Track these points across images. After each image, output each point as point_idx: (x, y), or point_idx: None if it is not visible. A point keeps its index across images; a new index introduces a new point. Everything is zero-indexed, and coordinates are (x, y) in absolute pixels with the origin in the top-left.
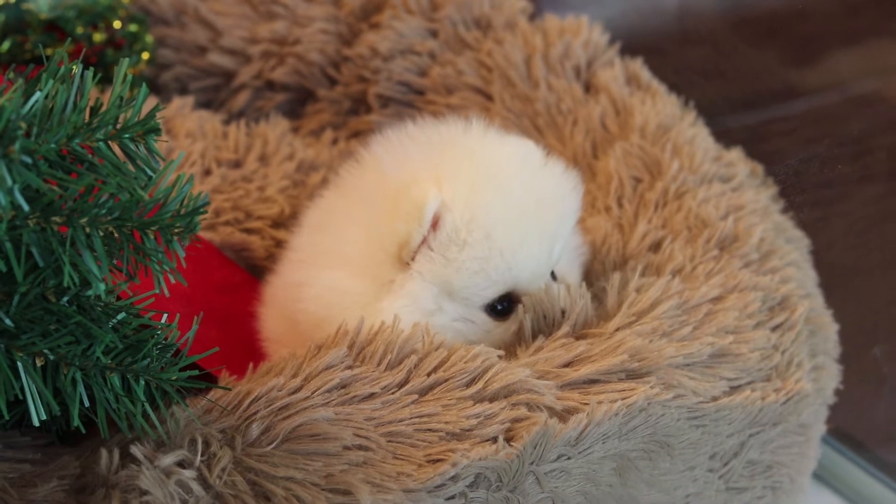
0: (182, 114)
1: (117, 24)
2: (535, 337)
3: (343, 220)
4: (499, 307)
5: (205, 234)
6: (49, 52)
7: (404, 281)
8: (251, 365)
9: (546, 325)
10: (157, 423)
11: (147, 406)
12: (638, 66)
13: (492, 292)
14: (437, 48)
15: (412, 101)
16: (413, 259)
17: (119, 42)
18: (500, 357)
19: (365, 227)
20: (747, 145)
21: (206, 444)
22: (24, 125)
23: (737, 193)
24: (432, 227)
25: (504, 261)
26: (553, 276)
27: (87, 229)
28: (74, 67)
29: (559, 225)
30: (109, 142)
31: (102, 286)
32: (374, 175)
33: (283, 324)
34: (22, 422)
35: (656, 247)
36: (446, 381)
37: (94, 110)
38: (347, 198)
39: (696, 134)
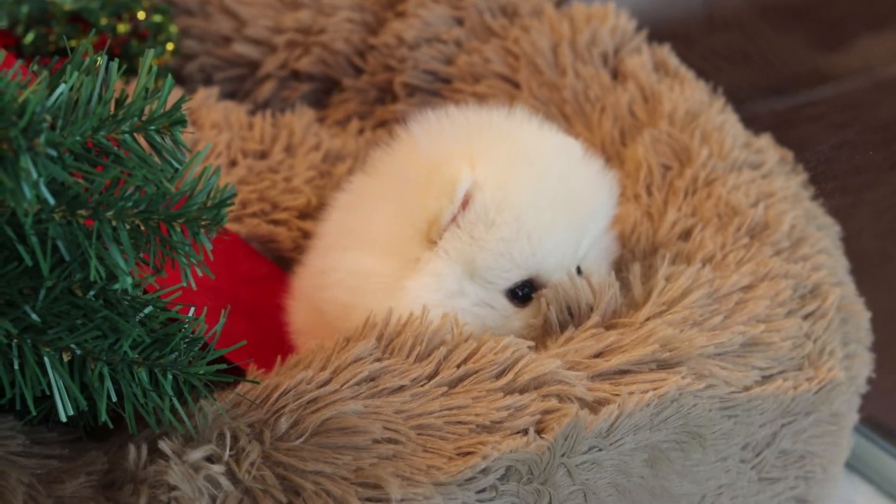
0: (207, 104)
1: (141, 15)
2: (563, 328)
3: (373, 199)
4: (519, 293)
5: (231, 226)
6: (73, 43)
7: (430, 259)
8: (279, 358)
9: (572, 318)
10: (185, 417)
11: (175, 400)
12: (665, 52)
13: (515, 276)
14: (464, 36)
15: (438, 89)
16: (441, 237)
17: (143, 33)
18: (530, 348)
19: (395, 204)
20: (776, 131)
21: (235, 438)
22: (49, 118)
23: (767, 180)
24: (462, 206)
25: (530, 245)
26: (579, 271)
27: (114, 222)
28: (99, 59)
29: (590, 219)
30: (135, 134)
31: (129, 280)
32: (409, 154)
33: (311, 315)
34: (49, 417)
35: (686, 235)
36: (476, 372)
37: (120, 102)
38: (380, 177)
39: (725, 120)
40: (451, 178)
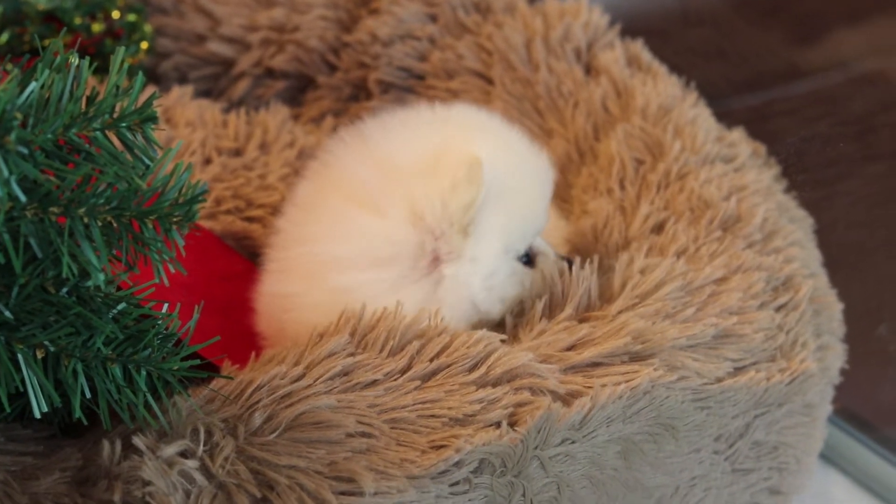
0: (182, 103)
1: (116, 14)
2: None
3: (349, 217)
4: (525, 258)
5: (206, 223)
6: (47, 43)
7: (465, 246)
8: (253, 354)
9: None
10: (159, 413)
11: (149, 396)
12: (639, 47)
13: (530, 238)
14: (437, 33)
15: (412, 86)
16: (472, 221)
17: (117, 32)
18: (502, 341)
19: (396, 210)
20: (749, 125)
21: (209, 433)
22: (20, 115)
23: (739, 174)
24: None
25: (533, 209)
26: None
27: (86, 219)
28: (71, 57)
29: (550, 188)
30: (106, 131)
31: (102, 276)
32: (377, 166)
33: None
34: (24, 414)
35: (659, 228)
36: (449, 366)
37: (91, 100)
38: (350, 195)
39: (697, 115)
40: (468, 162)
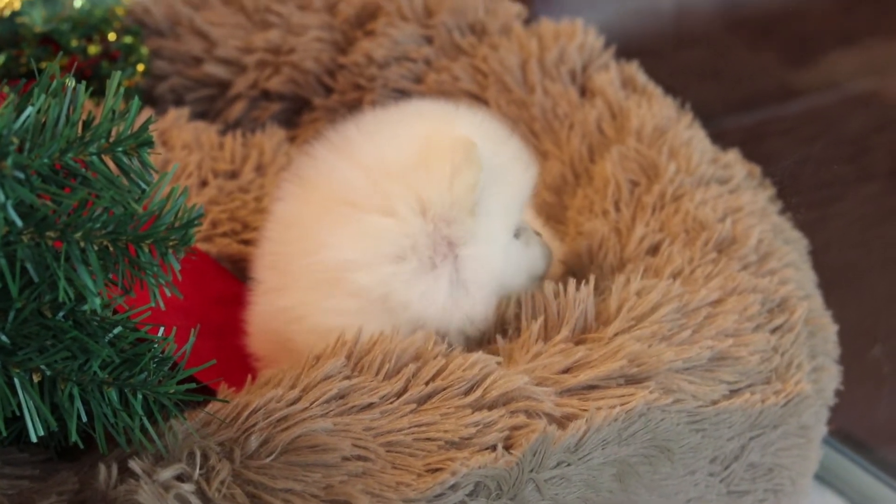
0: (178, 125)
1: (112, 37)
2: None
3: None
4: (518, 235)
5: (202, 246)
6: (44, 65)
7: (476, 226)
8: (249, 376)
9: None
10: (155, 436)
11: (145, 420)
12: (633, 68)
13: (521, 212)
14: (433, 54)
15: None
16: (477, 203)
17: (114, 54)
18: (498, 364)
19: (404, 206)
20: (744, 147)
21: (205, 457)
22: (16, 140)
23: (734, 195)
24: None
25: (520, 182)
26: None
27: (82, 244)
28: (67, 81)
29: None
30: (103, 155)
31: (98, 301)
32: (369, 169)
33: (274, 345)
34: (20, 438)
35: (654, 250)
36: (445, 389)
37: (87, 124)
38: (349, 201)
39: (692, 136)
40: (461, 145)
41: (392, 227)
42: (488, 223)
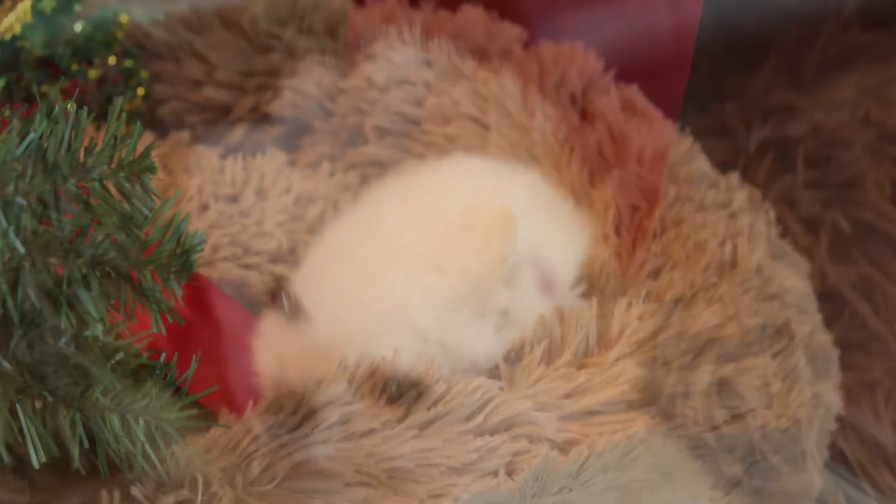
0: (178, 149)
1: (112, 60)
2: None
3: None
4: None
5: (203, 271)
6: (45, 88)
7: (508, 295)
8: (251, 402)
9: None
10: (157, 462)
11: (147, 446)
12: (634, 92)
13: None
14: (433, 78)
15: (409, 131)
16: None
17: (115, 78)
18: (500, 389)
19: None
20: (745, 170)
21: (207, 483)
22: (19, 166)
23: (735, 219)
24: None
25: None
26: None
27: (84, 270)
28: (69, 106)
29: None
30: (105, 181)
31: (100, 327)
32: (429, 226)
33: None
34: (21, 463)
35: (655, 274)
36: (446, 414)
37: (89, 149)
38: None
39: (692, 159)
40: (496, 218)
41: (444, 283)
42: (523, 285)
